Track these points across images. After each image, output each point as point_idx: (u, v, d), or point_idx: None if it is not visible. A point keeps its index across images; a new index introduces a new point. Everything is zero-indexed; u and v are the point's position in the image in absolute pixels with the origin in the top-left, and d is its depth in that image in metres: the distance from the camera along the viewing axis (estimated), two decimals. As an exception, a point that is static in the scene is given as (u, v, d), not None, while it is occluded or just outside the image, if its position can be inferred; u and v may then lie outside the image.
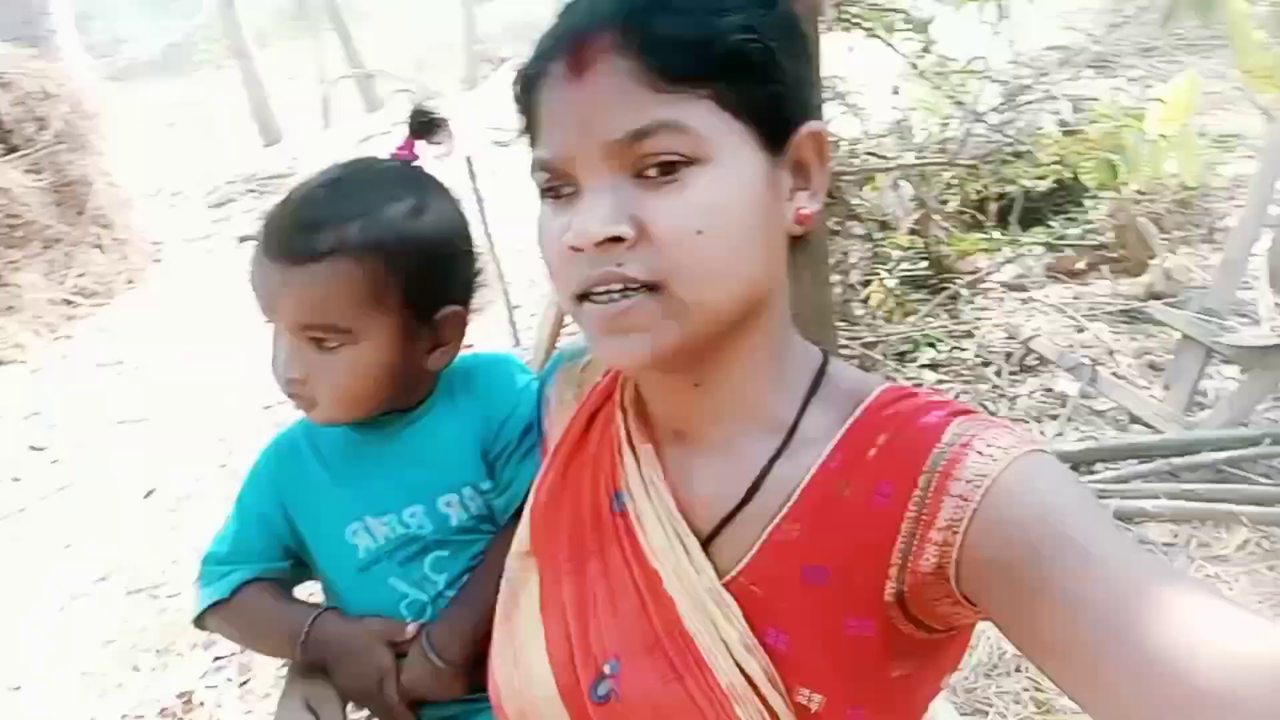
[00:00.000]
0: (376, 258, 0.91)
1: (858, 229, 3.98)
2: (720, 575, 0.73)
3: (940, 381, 3.73)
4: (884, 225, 4.14)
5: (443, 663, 0.94)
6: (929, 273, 4.35)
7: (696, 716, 0.69)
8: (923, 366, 3.84)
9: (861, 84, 3.88)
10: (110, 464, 4.91)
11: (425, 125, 1.00)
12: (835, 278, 4.10)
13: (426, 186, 0.97)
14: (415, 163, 1.00)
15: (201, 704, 2.97)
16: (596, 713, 0.74)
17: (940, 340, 3.94)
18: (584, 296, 0.68)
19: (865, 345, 3.68)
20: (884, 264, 4.00)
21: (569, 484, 0.84)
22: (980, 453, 0.65)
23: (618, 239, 0.65)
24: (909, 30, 3.11)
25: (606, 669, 0.74)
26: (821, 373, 0.78)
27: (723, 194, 0.66)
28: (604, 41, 0.65)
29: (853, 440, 0.71)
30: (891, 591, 0.67)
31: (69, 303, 7.28)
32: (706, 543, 0.75)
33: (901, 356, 3.88)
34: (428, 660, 0.95)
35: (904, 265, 4.23)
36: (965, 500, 0.63)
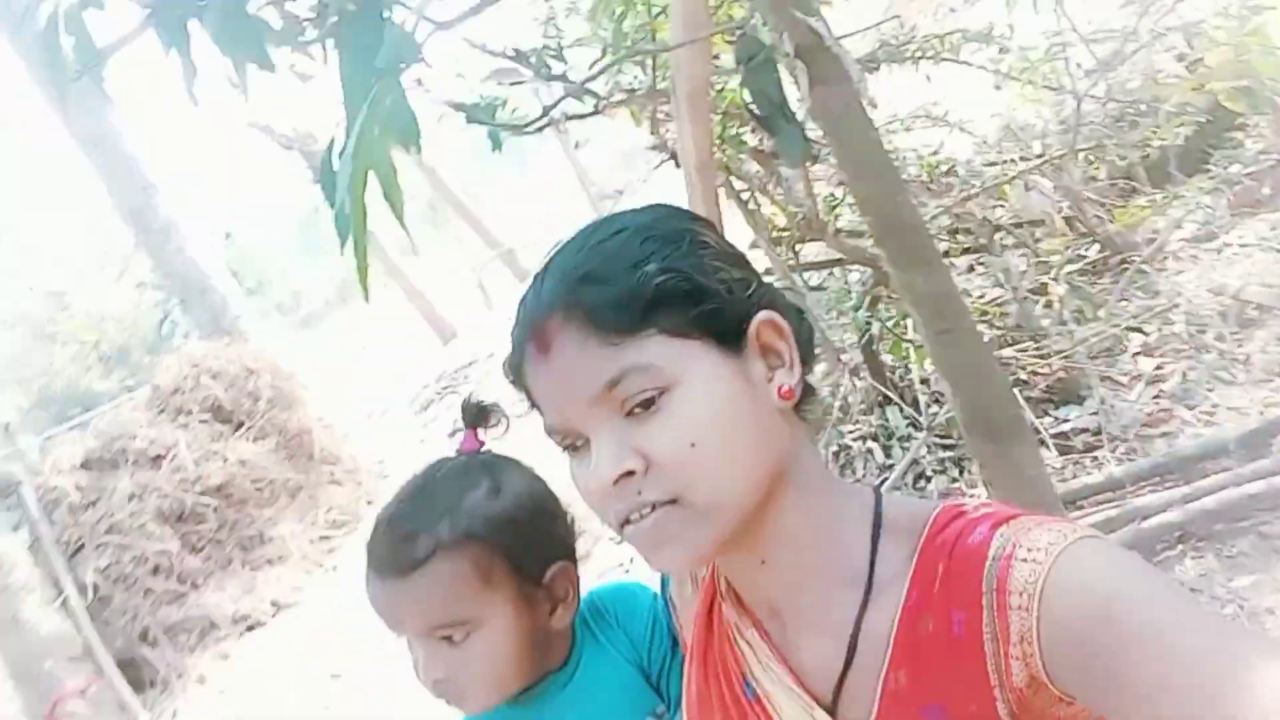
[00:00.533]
0: (473, 545, 0.97)
1: (1008, 240, 3.87)
2: None
3: (1160, 367, 3.48)
4: (1036, 224, 4.00)
5: None
6: (1104, 255, 4.13)
7: None
8: (1135, 355, 3.59)
9: (951, 105, 3.83)
10: (404, 689, 5.25)
11: (478, 415, 1.08)
12: (1004, 294, 3.97)
13: (495, 466, 1.04)
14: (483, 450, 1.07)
15: None
16: None
17: (1145, 323, 3.70)
18: (624, 524, 0.75)
19: (1065, 356, 3.50)
20: (1049, 268, 3.83)
21: (710, 678, 0.89)
22: (1024, 560, 0.68)
23: (629, 474, 0.73)
24: (976, 43, 3.09)
25: None
26: (880, 512, 0.81)
27: (700, 406, 0.73)
28: (555, 321, 0.75)
29: (921, 574, 0.74)
30: (1005, 711, 0.69)
31: (325, 539, 8.02)
32: (832, 709, 0.78)
33: (1110, 353, 3.64)
34: None
35: (1075, 259, 4.03)
36: (1025, 610, 0.66)
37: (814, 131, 2.43)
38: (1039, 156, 3.91)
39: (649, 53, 2.89)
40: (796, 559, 0.80)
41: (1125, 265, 3.98)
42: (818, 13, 2.03)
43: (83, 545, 6.98)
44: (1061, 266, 3.71)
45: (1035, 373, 3.51)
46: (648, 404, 0.73)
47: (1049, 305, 3.83)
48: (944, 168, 3.91)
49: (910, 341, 3.63)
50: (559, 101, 2.57)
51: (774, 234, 4.19)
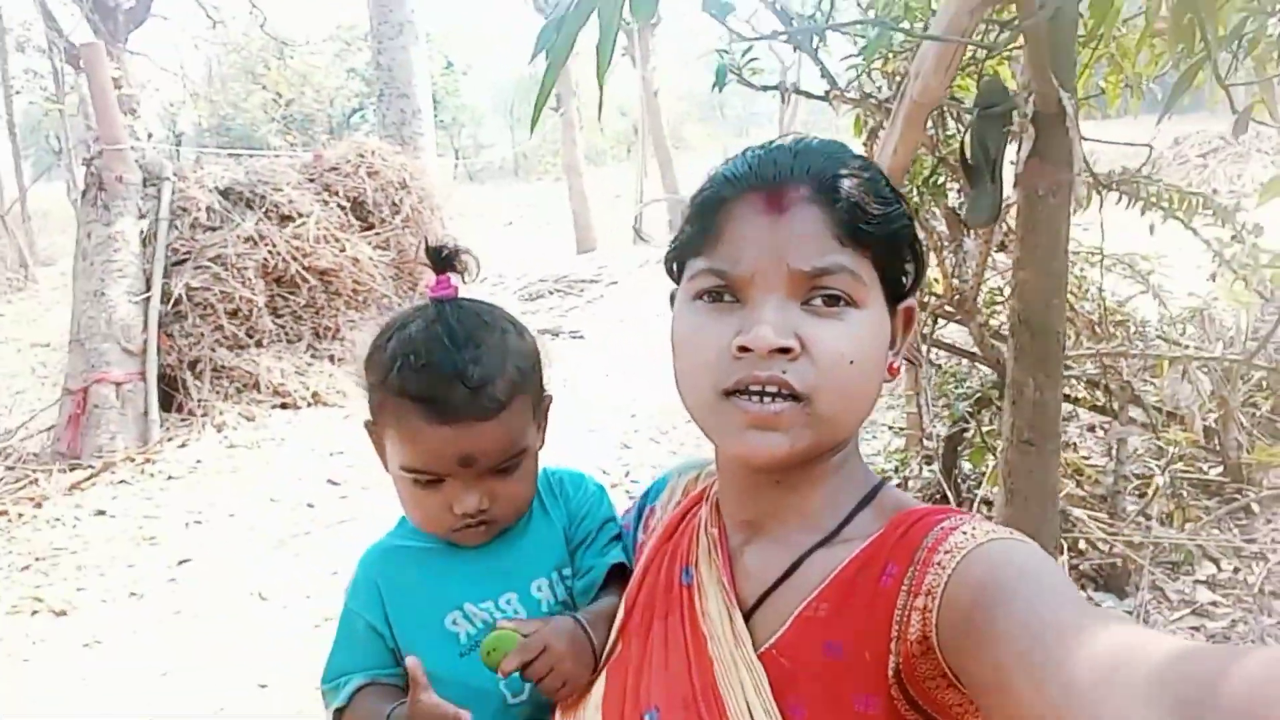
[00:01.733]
0: (529, 383, 1.06)
1: (1141, 417, 3.69)
2: (757, 645, 0.81)
3: (1215, 604, 3.31)
4: (1173, 417, 3.81)
5: (591, 635, 0.97)
6: (1223, 479, 3.92)
7: None
8: (1198, 582, 3.43)
9: (1165, 266, 3.67)
10: (388, 509, 5.39)
11: (447, 259, 1.08)
12: (1109, 465, 3.81)
13: (495, 310, 1.09)
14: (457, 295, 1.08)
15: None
16: None
17: (1224, 556, 3.52)
18: (733, 393, 0.80)
19: (1130, 545, 3.36)
20: (1162, 458, 3.66)
21: (660, 563, 0.96)
22: (964, 532, 0.74)
23: (785, 350, 0.77)
24: (1213, 217, 2.92)
25: (646, 718, 0.83)
26: (876, 490, 0.88)
27: (869, 334, 0.81)
28: (802, 191, 0.80)
29: (883, 536, 0.81)
30: (892, 667, 0.73)
31: (389, 363, 8.28)
32: (749, 615, 0.84)
33: (1174, 567, 3.49)
34: (578, 631, 0.97)
35: (1193, 466, 3.85)
36: (943, 569, 0.71)
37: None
38: (1210, 356, 3.71)
39: (897, 49, 2.83)
40: (802, 494, 0.86)
41: (1237, 497, 3.77)
42: (1074, 90, 1.96)
43: (187, 260, 7.34)
44: (1174, 462, 3.54)
45: (1094, 546, 3.37)
46: (831, 303, 0.79)
47: (1142, 495, 3.67)
48: (1118, 317, 3.75)
49: (995, 456, 3.51)
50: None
51: (924, 297, 4.10)
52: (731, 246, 0.81)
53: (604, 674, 0.92)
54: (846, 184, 0.80)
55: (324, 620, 4.19)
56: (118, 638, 4.18)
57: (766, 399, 0.78)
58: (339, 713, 1.06)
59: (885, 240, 0.82)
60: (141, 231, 7.15)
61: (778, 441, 0.78)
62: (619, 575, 1.06)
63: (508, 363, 1.03)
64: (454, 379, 0.99)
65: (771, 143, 0.86)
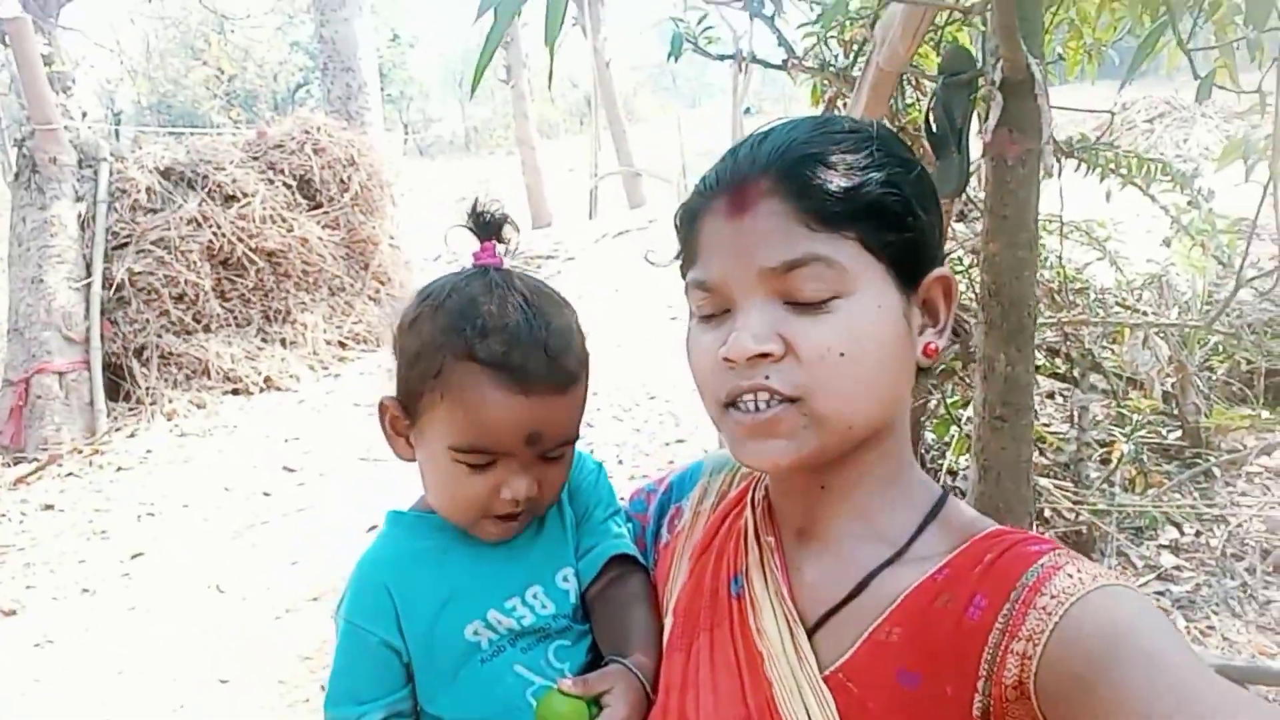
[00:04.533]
0: (588, 361, 1.00)
1: (1102, 384, 3.71)
2: (821, 668, 0.76)
3: (1179, 568, 3.36)
4: (1133, 383, 3.83)
5: (649, 690, 0.89)
6: (1182, 443, 3.97)
7: None
8: (1161, 547, 3.47)
9: (1121, 232, 3.67)
10: (347, 495, 5.33)
11: (492, 225, 1.01)
12: (1070, 433, 3.83)
13: (543, 285, 1.01)
14: (501, 264, 1.00)
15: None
16: None
17: (1186, 521, 3.56)
18: (730, 405, 0.77)
19: (1095, 513, 3.38)
20: (1125, 425, 3.69)
21: (706, 568, 0.91)
22: (1070, 575, 0.69)
23: (766, 355, 0.74)
24: (1170, 183, 2.92)
25: None
26: (941, 503, 0.83)
27: (862, 322, 0.75)
28: (763, 185, 0.76)
29: (962, 560, 0.76)
30: (979, 706, 0.68)
31: (342, 345, 8.12)
32: (810, 634, 0.79)
33: (1138, 533, 3.53)
34: (637, 683, 0.89)
35: (1153, 432, 3.88)
36: (1048, 615, 0.67)
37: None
38: (1172, 322, 3.73)
39: (854, 16, 2.78)
40: (853, 499, 0.82)
41: (1197, 461, 3.82)
42: (1042, 57, 1.92)
43: (128, 244, 7.12)
44: (1137, 429, 3.56)
45: (1059, 514, 3.39)
46: (817, 293, 0.74)
47: (1105, 462, 3.69)
48: (1077, 284, 3.75)
49: (959, 427, 3.51)
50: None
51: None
52: (706, 256, 0.79)
53: None
54: (808, 165, 0.75)
55: (285, 612, 4.10)
56: (70, 636, 4.06)
57: (760, 406, 0.75)
58: None
59: (865, 213, 0.75)
60: (79, 215, 6.92)
61: (780, 448, 0.75)
62: (618, 561, 1.02)
63: (574, 336, 0.98)
64: (535, 345, 0.92)
65: (746, 138, 0.82)
